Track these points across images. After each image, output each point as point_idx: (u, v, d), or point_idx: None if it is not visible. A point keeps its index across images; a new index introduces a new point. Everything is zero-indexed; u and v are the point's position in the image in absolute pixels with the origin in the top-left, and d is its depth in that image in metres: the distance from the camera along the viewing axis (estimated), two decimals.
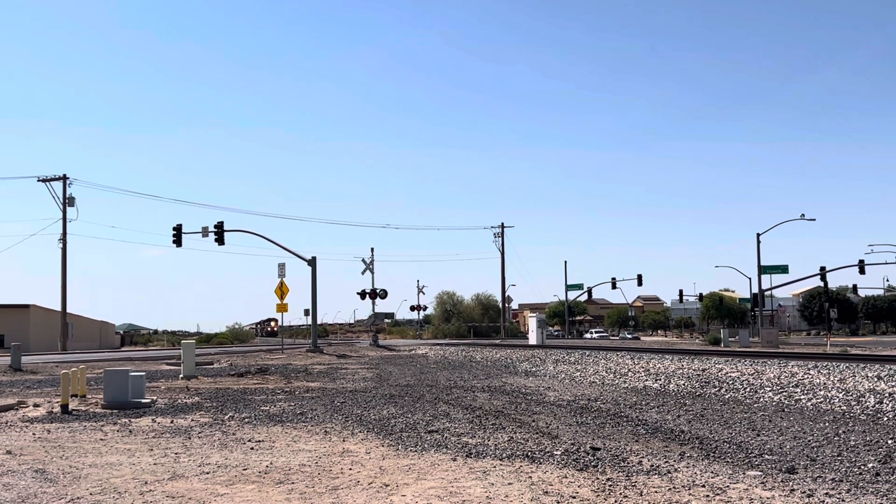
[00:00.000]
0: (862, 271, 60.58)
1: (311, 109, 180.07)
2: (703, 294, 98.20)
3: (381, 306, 63.69)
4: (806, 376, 17.68)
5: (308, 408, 13.89)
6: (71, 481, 7.52)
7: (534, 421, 11.95)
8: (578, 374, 22.84)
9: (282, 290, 40.46)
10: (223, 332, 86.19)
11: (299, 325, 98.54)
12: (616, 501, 6.48)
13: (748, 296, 72.94)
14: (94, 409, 13.96)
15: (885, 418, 12.06)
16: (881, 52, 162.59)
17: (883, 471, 7.86)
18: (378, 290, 55.57)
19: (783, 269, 62.88)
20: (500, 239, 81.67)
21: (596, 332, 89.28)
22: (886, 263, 73.72)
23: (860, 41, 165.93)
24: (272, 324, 59.81)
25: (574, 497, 6.64)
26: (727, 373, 19.58)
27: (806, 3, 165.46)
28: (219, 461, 8.55)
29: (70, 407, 13.70)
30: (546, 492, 6.84)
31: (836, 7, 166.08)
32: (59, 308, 56.17)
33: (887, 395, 13.90)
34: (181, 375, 22.17)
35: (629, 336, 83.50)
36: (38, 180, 55.62)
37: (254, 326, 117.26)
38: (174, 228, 45.08)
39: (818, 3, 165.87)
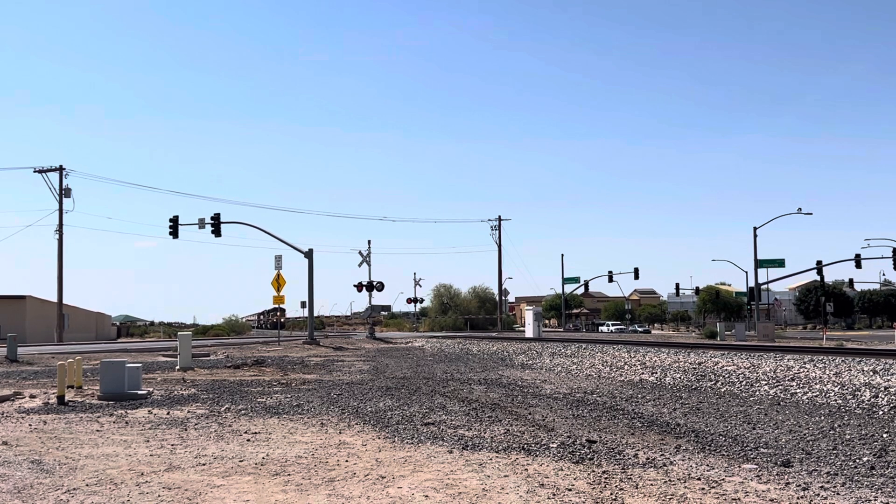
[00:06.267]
0: (858, 265, 60.72)
1: (308, 101, 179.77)
2: (700, 288, 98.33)
3: (378, 299, 63.56)
4: (802, 370, 17.73)
5: (304, 400, 13.90)
6: (67, 472, 7.52)
7: (530, 414, 11.97)
8: (575, 367, 22.87)
9: (278, 282, 40.45)
10: (220, 324, 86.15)
11: (296, 317, 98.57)
12: (612, 494, 6.49)
13: (745, 289, 73.01)
14: (90, 401, 13.95)
15: (881, 412, 12.10)
16: (881, 50, 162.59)
17: (878, 464, 7.88)
18: (375, 283, 55.57)
19: (780, 263, 62.94)
20: (497, 232, 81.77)
21: (613, 326, 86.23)
22: (883, 258, 73.55)
23: (860, 41, 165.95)
24: (278, 314, 59.78)
25: (570, 489, 6.65)
26: (723, 366, 19.62)
27: (806, 6, 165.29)
28: (215, 453, 8.55)
29: (66, 398, 13.69)
30: (542, 484, 6.85)
31: (837, 9, 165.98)
32: (55, 299, 56.08)
33: (883, 389, 13.94)
34: (177, 367, 22.16)
35: (640, 329, 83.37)
36: (35, 171, 55.53)
37: (255, 317, 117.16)
38: (171, 220, 45.00)
39: (819, 5, 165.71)
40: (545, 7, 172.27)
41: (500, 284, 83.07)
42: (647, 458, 8.13)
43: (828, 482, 7.02)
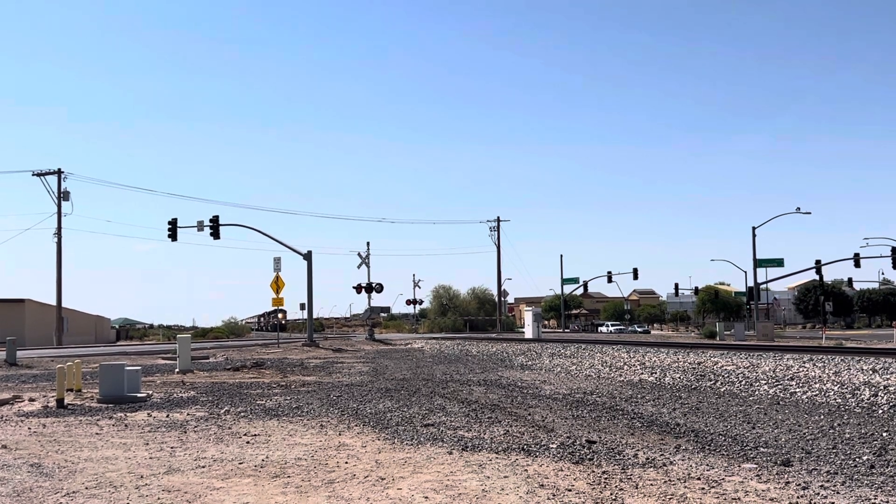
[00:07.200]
0: (857, 265, 60.77)
1: (306, 102, 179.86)
2: (699, 287, 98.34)
3: (377, 300, 63.60)
4: (801, 369, 17.73)
5: (304, 402, 13.89)
6: (66, 475, 7.51)
7: (530, 414, 11.96)
8: (574, 367, 22.87)
9: (277, 285, 40.44)
10: (219, 327, 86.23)
11: (295, 319, 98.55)
12: (611, 494, 6.49)
13: (744, 289, 73.02)
14: (89, 404, 13.94)
15: (880, 411, 12.10)
16: (880, 50, 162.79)
17: (878, 463, 7.88)
18: (374, 284, 55.55)
19: (779, 263, 62.94)
20: (496, 233, 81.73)
21: (613, 326, 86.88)
22: (882, 257, 73.75)
23: (860, 41, 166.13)
24: (279, 315, 59.97)
25: (570, 490, 6.64)
26: (723, 366, 19.62)
27: (806, 6, 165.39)
28: (215, 455, 8.55)
29: (65, 401, 13.67)
30: (542, 485, 6.85)
31: (836, 10, 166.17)
32: (54, 302, 55.99)
33: (882, 387, 13.95)
34: (177, 370, 22.15)
35: (639, 330, 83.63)
36: (33, 174, 55.46)
37: (255, 319, 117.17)
38: (169, 223, 45.04)
39: (819, 6, 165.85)
40: (545, 9, 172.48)
41: (500, 285, 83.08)
42: (647, 458, 8.13)
43: (828, 481, 7.02)
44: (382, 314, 77.70)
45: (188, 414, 12.32)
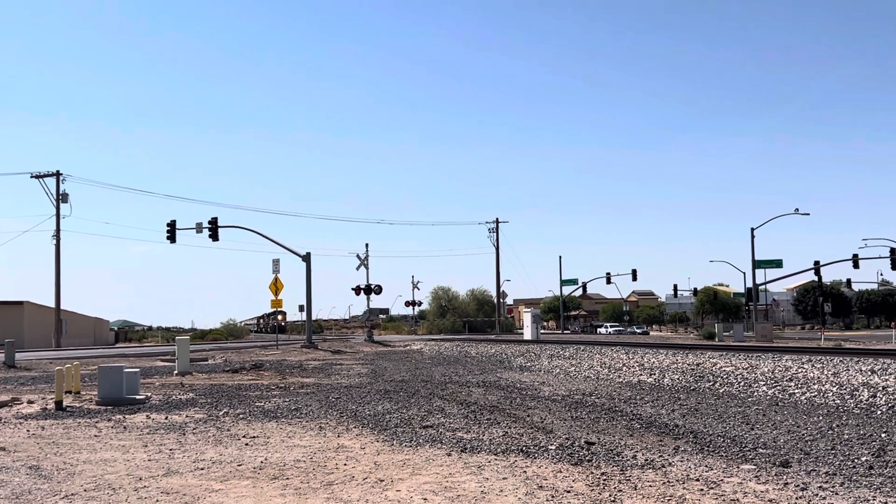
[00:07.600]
0: (856, 265, 60.79)
1: (304, 104, 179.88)
2: (698, 289, 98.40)
3: (376, 302, 63.60)
4: (800, 370, 17.74)
5: (303, 403, 13.88)
6: (65, 477, 7.51)
7: (528, 416, 11.97)
8: (573, 369, 22.87)
9: (276, 286, 40.45)
10: (218, 329, 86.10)
11: (294, 321, 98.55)
12: (610, 495, 6.49)
13: (742, 290, 73.07)
14: (88, 406, 13.93)
15: (879, 412, 12.11)
16: (877, 50, 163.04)
17: (876, 464, 7.89)
18: (373, 286, 55.59)
19: (777, 264, 62.92)
20: (495, 234, 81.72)
21: (612, 327, 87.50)
22: (880, 258, 73.97)
23: (857, 42, 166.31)
24: (279, 317, 59.84)
25: (569, 491, 6.65)
26: (721, 367, 19.62)
27: (802, 6, 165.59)
28: (213, 457, 8.54)
29: (64, 403, 13.66)
30: (541, 486, 6.85)
31: (833, 10, 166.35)
32: (52, 305, 55.92)
33: (881, 388, 13.96)
34: (175, 372, 22.14)
35: (638, 331, 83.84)
36: (32, 176, 55.32)
37: (254, 321, 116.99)
38: (168, 224, 45.08)
39: (816, 6, 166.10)
40: (542, 12, 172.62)
41: (499, 287, 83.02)
42: (646, 460, 8.13)
43: (826, 482, 7.02)
44: (381, 316, 77.62)
45: (187, 416, 12.31)
